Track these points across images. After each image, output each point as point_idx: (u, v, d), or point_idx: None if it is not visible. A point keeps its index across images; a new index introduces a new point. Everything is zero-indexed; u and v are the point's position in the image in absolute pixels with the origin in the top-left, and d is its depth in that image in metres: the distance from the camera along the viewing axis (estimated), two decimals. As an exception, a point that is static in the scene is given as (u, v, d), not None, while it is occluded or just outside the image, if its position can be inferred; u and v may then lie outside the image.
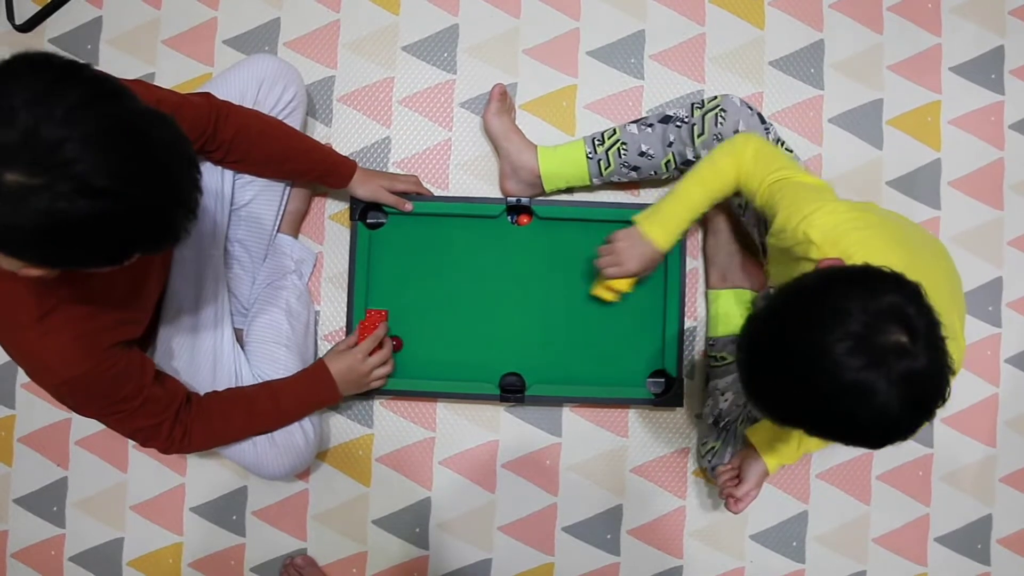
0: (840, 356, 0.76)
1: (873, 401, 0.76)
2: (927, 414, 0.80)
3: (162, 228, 0.76)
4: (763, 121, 1.27)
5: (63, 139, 0.65)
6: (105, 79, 0.71)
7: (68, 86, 0.67)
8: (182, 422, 1.13)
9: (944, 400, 0.80)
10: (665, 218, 1.21)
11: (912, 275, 0.83)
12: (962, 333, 1.07)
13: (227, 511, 1.44)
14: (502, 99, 1.40)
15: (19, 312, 0.89)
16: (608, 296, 1.31)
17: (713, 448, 1.33)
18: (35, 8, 1.48)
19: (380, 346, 1.29)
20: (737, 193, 1.18)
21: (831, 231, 0.95)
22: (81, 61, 0.70)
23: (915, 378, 0.77)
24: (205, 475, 1.44)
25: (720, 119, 1.25)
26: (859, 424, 0.80)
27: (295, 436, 1.27)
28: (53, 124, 0.65)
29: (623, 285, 1.28)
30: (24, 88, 0.65)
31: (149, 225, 0.75)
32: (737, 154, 1.14)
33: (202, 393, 1.21)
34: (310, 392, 1.25)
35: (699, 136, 1.27)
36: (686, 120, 1.29)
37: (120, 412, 1.05)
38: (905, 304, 0.78)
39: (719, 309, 1.38)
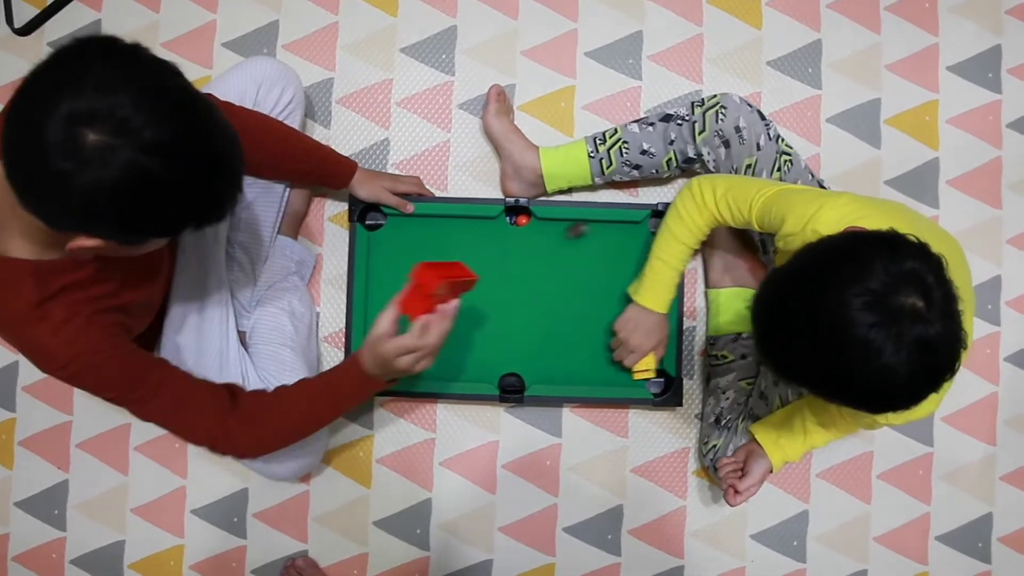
0: (855, 311, 0.77)
1: (879, 360, 0.77)
2: (933, 382, 0.81)
3: (214, 201, 0.81)
4: (763, 118, 1.27)
5: (136, 106, 0.71)
6: (168, 62, 0.78)
7: (140, 63, 0.75)
8: (223, 414, 1.05)
9: (952, 373, 0.81)
10: (655, 285, 1.26)
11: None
12: (970, 329, 1.07)
13: (228, 513, 1.44)
14: (500, 100, 1.41)
15: (17, 299, 0.89)
16: (646, 376, 1.35)
17: (715, 446, 1.33)
18: (34, 11, 1.48)
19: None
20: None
21: (841, 222, 0.96)
22: (143, 46, 0.77)
23: (927, 344, 0.77)
24: (206, 477, 1.45)
25: (720, 116, 1.26)
26: (863, 382, 0.80)
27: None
28: (130, 94, 0.72)
29: (650, 363, 1.33)
30: (104, 65, 0.72)
31: (204, 196, 0.79)
32: (704, 200, 1.16)
33: None
34: (351, 395, 1.12)
35: (700, 133, 1.27)
36: (687, 118, 1.29)
37: (139, 399, 1.00)
38: (926, 272, 0.79)
39: (719, 308, 1.38)
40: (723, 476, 1.21)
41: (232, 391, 1.09)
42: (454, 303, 1.05)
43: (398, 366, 1.04)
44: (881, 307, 0.77)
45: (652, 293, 1.26)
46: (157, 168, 0.73)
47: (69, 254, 0.83)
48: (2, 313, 0.91)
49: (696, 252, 1.27)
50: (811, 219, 0.98)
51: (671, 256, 1.23)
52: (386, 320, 1.03)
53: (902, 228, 0.96)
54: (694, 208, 1.18)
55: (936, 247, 0.84)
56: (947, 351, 0.80)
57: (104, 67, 0.72)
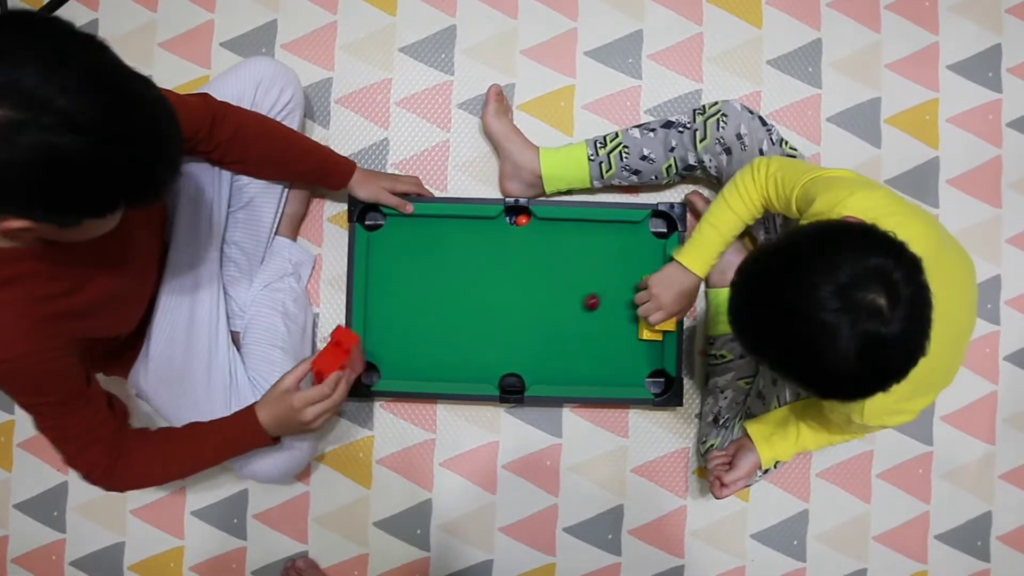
0: (822, 295, 0.80)
1: (830, 344, 0.79)
2: (878, 380, 0.83)
3: (147, 177, 0.78)
4: (764, 123, 1.27)
5: (46, 81, 0.69)
6: (90, 35, 0.75)
7: (52, 36, 0.71)
8: (113, 450, 1.05)
9: (901, 376, 0.82)
10: (701, 247, 1.23)
11: (936, 266, 0.84)
12: (963, 349, 1.08)
13: (228, 514, 1.44)
14: (499, 99, 1.40)
15: None
16: (655, 337, 1.35)
17: (712, 445, 1.33)
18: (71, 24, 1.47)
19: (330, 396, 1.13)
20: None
21: (867, 212, 0.96)
22: (64, 19, 0.74)
23: (877, 340, 0.79)
24: (206, 478, 1.44)
25: (722, 124, 1.25)
26: (813, 362, 0.82)
27: (291, 440, 1.26)
28: (38, 69, 0.69)
29: (668, 326, 1.31)
30: (9, 39, 0.70)
31: (134, 171, 0.76)
32: (758, 177, 1.15)
33: (195, 393, 1.20)
34: (236, 440, 1.14)
35: (701, 141, 1.27)
36: (688, 125, 1.29)
37: (49, 415, 0.99)
38: (893, 269, 0.80)
39: (718, 308, 1.38)
40: (711, 468, 1.21)
41: (122, 425, 1.09)
42: (358, 367, 1.21)
43: (303, 418, 1.10)
44: (845, 297, 0.79)
45: (696, 255, 1.23)
46: (71, 146, 0.70)
47: (15, 240, 0.81)
48: None
49: (745, 230, 1.24)
50: (840, 203, 0.98)
51: (721, 222, 1.20)
52: (292, 377, 1.10)
53: (928, 228, 0.97)
54: (751, 181, 1.16)
55: (946, 263, 0.84)
56: (898, 353, 0.81)
57: (11, 39, 0.70)
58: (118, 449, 1.07)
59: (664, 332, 1.34)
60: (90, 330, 0.99)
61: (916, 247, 0.84)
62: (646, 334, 1.35)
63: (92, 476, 1.07)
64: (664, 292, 1.26)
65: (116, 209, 0.80)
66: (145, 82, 0.78)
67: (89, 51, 0.73)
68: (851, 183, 1.04)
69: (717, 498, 1.20)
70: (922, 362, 0.84)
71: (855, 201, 0.97)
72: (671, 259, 1.26)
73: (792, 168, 1.13)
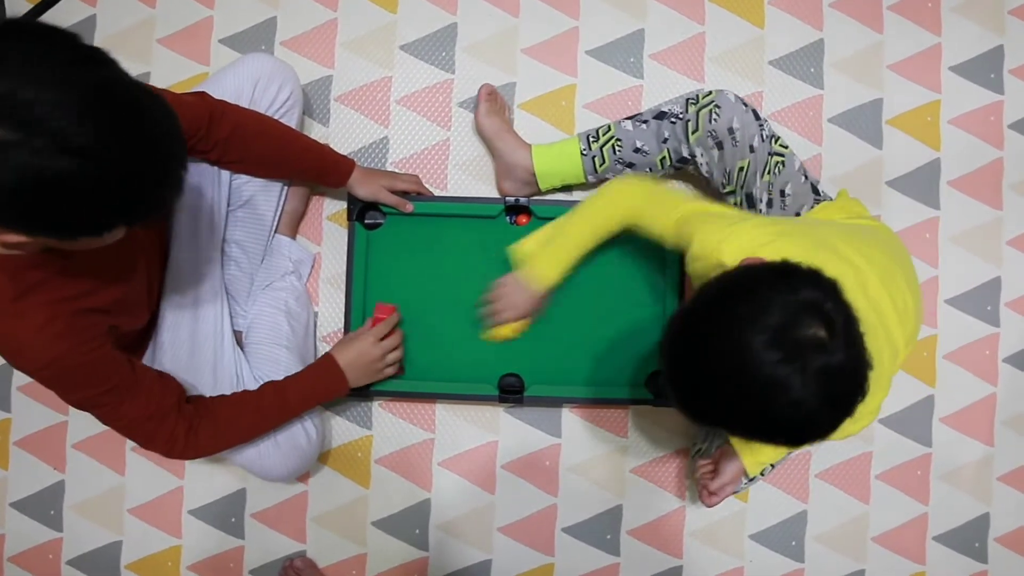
0: (758, 350, 0.76)
1: (788, 395, 0.77)
2: (844, 410, 0.81)
3: (144, 199, 0.76)
4: (757, 117, 1.25)
5: (39, 99, 0.66)
6: (91, 48, 0.72)
7: (51, 49, 0.68)
8: (185, 419, 1.09)
9: (862, 396, 0.80)
10: (551, 257, 1.24)
11: (836, 270, 0.83)
12: (917, 327, 1.08)
13: (226, 513, 1.44)
14: (491, 99, 1.39)
15: None
16: (503, 337, 1.35)
17: (700, 449, 1.34)
18: (27, 7, 1.46)
19: (390, 334, 1.28)
20: (744, 185, 1.19)
21: (742, 252, 0.94)
22: (69, 30, 0.71)
23: (831, 372, 0.77)
24: (204, 478, 1.44)
25: (714, 116, 1.23)
26: (775, 419, 0.80)
27: (298, 437, 1.26)
28: (32, 85, 0.66)
29: (508, 331, 1.33)
30: (5, 51, 0.67)
31: (130, 194, 0.74)
32: (624, 196, 1.16)
33: (202, 394, 1.20)
34: (317, 385, 1.22)
35: (693, 133, 1.25)
36: (680, 116, 1.27)
37: (109, 404, 1.02)
38: (823, 299, 0.79)
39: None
40: (697, 478, 1.21)
41: (195, 396, 1.13)
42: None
43: (375, 352, 1.24)
44: (783, 342, 0.76)
45: (545, 266, 1.24)
46: (63, 169, 0.67)
47: (16, 250, 0.81)
48: None
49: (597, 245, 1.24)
50: (715, 249, 0.97)
51: (577, 236, 1.20)
52: (356, 331, 1.26)
53: (814, 248, 0.96)
54: (618, 199, 1.17)
55: (858, 252, 0.82)
56: (852, 376, 0.80)
57: (9, 51, 0.67)
58: (196, 416, 1.10)
59: (507, 337, 1.35)
60: (105, 322, 1.00)
61: (807, 262, 0.84)
62: (493, 333, 1.35)
63: (175, 451, 1.10)
64: (512, 295, 1.29)
65: (113, 228, 0.78)
66: (151, 97, 0.75)
67: (92, 68, 0.71)
68: (721, 224, 1.02)
69: (708, 506, 1.20)
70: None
71: (728, 243, 0.96)
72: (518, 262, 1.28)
73: (662, 195, 1.14)
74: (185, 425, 1.10)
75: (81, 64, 0.70)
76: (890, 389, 1.07)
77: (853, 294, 0.83)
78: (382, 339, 1.26)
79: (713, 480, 1.19)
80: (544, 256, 1.25)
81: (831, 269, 0.83)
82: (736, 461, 1.18)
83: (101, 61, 0.72)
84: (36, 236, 0.77)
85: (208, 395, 1.19)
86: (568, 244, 1.22)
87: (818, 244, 0.99)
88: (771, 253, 0.90)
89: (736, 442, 1.18)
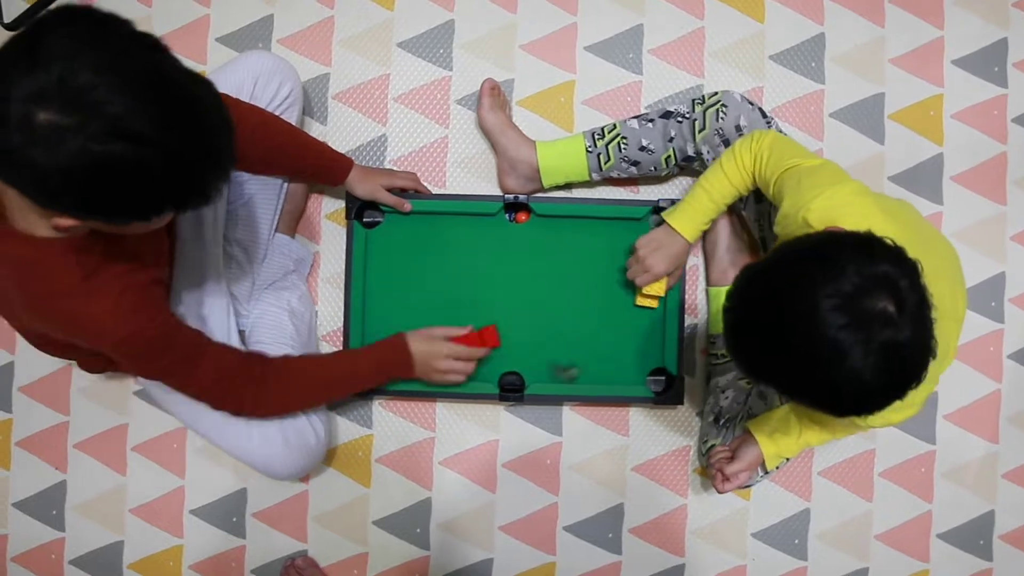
0: (825, 312, 0.77)
1: (845, 363, 0.77)
2: (899, 389, 0.81)
3: (195, 185, 0.77)
4: (764, 115, 1.26)
5: (96, 83, 0.66)
6: (146, 34, 0.72)
7: (107, 35, 0.69)
8: (253, 381, 1.12)
9: (919, 381, 0.81)
10: (692, 210, 1.21)
11: (918, 255, 0.83)
12: (955, 343, 1.08)
13: (227, 513, 1.44)
14: (493, 94, 1.39)
15: (61, 278, 0.88)
16: (649, 303, 1.34)
17: (713, 445, 1.32)
18: (24, 6, 1.46)
19: (470, 357, 1.28)
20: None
21: (826, 213, 0.96)
22: (123, 17, 0.72)
23: (894, 349, 0.77)
24: (205, 477, 1.44)
25: (721, 114, 1.24)
26: (828, 384, 0.80)
27: (307, 436, 1.26)
28: (88, 69, 0.66)
29: (658, 289, 1.29)
30: (64, 36, 0.67)
31: (183, 179, 0.75)
32: (755, 148, 1.14)
33: None
34: (387, 360, 1.24)
35: (700, 132, 1.26)
36: (687, 116, 1.28)
37: (182, 371, 1.05)
38: (899, 276, 0.79)
39: (720, 306, 1.36)
40: (713, 462, 1.20)
41: (259, 355, 1.15)
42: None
43: (440, 365, 1.24)
44: (852, 310, 0.77)
45: (686, 218, 1.22)
46: (117, 154, 0.68)
47: (67, 233, 0.81)
48: (48, 290, 0.89)
49: (738, 199, 1.22)
50: (803, 207, 0.98)
51: (714, 188, 1.19)
52: (443, 330, 1.26)
53: (899, 229, 0.94)
54: (746, 151, 1.15)
55: (931, 255, 0.83)
56: (915, 358, 0.80)
57: (65, 36, 0.67)
58: (260, 379, 1.13)
59: (658, 298, 1.33)
60: (161, 294, 1.03)
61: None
62: (639, 299, 1.34)
63: (244, 411, 1.14)
64: (651, 255, 1.25)
65: (163, 213, 0.79)
66: (206, 87, 0.76)
67: (149, 54, 0.71)
68: (821, 181, 1.02)
69: (719, 492, 1.19)
70: None
71: (816, 203, 0.97)
72: (661, 221, 1.26)
73: (781, 148, 1.12)
74: (254, 388, 1.12)
75: (137, 50, 0.70)
76: (936, 387, 1.07)
77: (932, 281, 0.82)
78: (459, 355, 1.26)
79: (730, 464, 1.17)
80: (684, 209, 1.23)
81: (912, 252, 0.83)
82: (754, 450, 1.17)
83: (156, 47, 0.72)
84: (89, 220, 0.77)
85: None
86: (707, 198, 1.19)
87: (899, 224, 0.98)
88: (852, 223, 0.90)
89: (758, 432, 1.18)
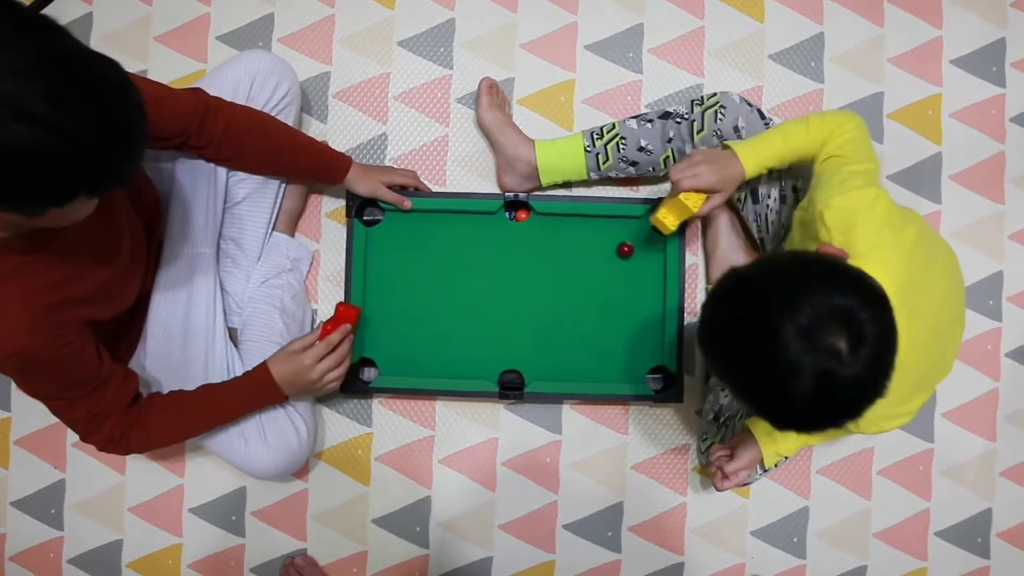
0: (779, 332, 0.80)
1: (786, 384, 0.80)
2: (830, 420, 0.84)
3: (103, 165, 0.74)
4: (763, 117, 1.26)
5: None
6: (37, 14, 0.70)
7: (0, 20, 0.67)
8: (126, 422, 1.10)
9: (853, 418, 0.83)
10: (762, 146, 1.17)
11: (906, 293, 0.85)
12: (956, 342, 1.11)
13: (226, 512, 1.44)
14: (491, 92, 1.39)
15: None
16: (669, 221, 1.21)
17: (713, 443, 1.33)
18: (23, 4, 1.45)
19: (335, 349, 1.21)
20: (749, 181, 1.19)
21: (843, 218, 0.97)
22: (15, 1, 0.70)
23: (833, 383, 0.79)
24: (204, 476, 1.44)
25: (720, 115, 1.24)
26: (767, 398, 0.84)
27: (288, 436, 1.26)
28: None
29: (694, 201, 1.17)
30: None
31: (87, 159, 0.72)
32: (841, 123, 1.14)
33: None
34: (250, 397, 1.21)
35: (698, 133, 1.26)
36: (686, 116, 1.28)
37: (65, 399, 1.02)
38: (859, 309, 0.80)
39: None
40: (713, 460, 1.21)
41: (134, 398, 1.13)
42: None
43: (312, 375, 1.18)
44: (806, 337, 0.79)
45: (753, 152, 1.17)
46: (18, 137, 0.66)
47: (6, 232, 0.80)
48: None
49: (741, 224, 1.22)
50: (825, 201, 1.00)
51: (790, 137, 1.16)
52: (300, 342, 1.19)
53: (904, 258, 0.97)
54: (834, 123, 1.14)
55: (925, 261, 0.84)
56: (853, 395, 0.82)
57: None
58: (132, 420, 1.11)
59: (679, 220, 1.22)
60: (82, 313, 0.98)
61: (884, 271, 0.87)
62: (660, 213, 1.21)
63: (108, 448, 1.12)
64: (709, 163, 1.16)
65: (76, 198, 0.76)
66: (110, 65, 0.73)
67: (41, 34, 0.69)
68: (855, 184, 1.03)
69: (719, 490, 1.19)
70: (916, 363, 0.84)
71: (838, 201, 0.99)
72: (725, 146, 1.20)
73: (857, 144, 1.12)
74: (121, 430, 1.10)
75: (28, 30, 0.68)
76: (932, 395, 1.09)
77: (926, 302, 0.83)
78: (328, 353, 1.19)
79: (729, 463, 1.18)
80: (755, 143, 1.18)
81: (920, 276, 0.85)
82: (753, 448, 1.18)
83: (49, 28, 0.70)
84: (2, 212, 0.75)
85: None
86: (782, 141, 1.17)
87: (908, 262, 0.99)
88: (863, 240, 0.93)
89: (757, 430, 1.19)
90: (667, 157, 1.31)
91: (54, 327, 0.92)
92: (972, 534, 1.44)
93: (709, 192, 1.17)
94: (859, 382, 0.80)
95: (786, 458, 1.26)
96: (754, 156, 1.17)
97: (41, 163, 0.69)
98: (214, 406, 1.19)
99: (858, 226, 0.97)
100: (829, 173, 1.07)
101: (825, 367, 0.78)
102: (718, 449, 1.21)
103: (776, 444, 1.18)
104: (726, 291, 0.89)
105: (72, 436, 1.44)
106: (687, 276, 1.40)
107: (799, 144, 1.16)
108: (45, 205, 0.75)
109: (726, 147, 1.19)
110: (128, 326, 1.22)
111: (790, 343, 0.79)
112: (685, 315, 1.39)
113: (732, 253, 1.37)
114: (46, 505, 1.45)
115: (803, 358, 0.78)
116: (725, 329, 0.87)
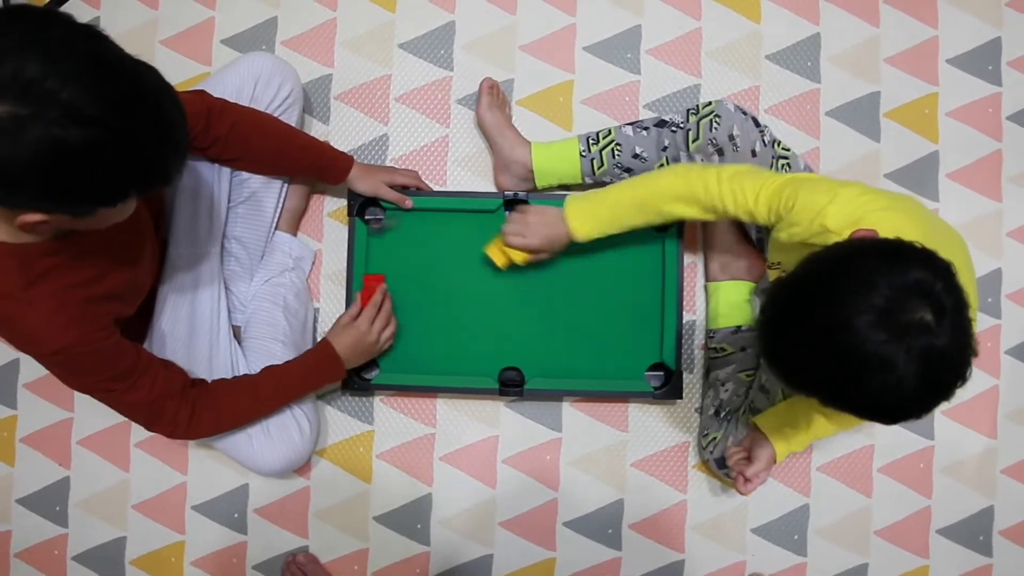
0: (862, 329, 0.77)
1: (890, 375, 0.77)
2: (944, 393, 0.81)
3: (152, 164, 0.79)
4: (757, 125, 1.26)
5: (46, 73, 0.69)
6: (85, 24, 0.75)
7: (50, 27, 0.71)
8: (188, 403, 1.13)
9: (964, 381, 0.81)
10: (598, 214, 1.19)
11: (947, 252, 0.82)
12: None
13: (229, 509, 1.45)
14: (492, 93, 1.40)
15: (3, 281, 0.89)
16: (499, 260, 1.30)
17: (715, 439, 1.33)
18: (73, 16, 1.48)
19: (380, 309, 1.29)
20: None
21: (848, 216, 0.94)
22: (63, 12, 0.74)
23: (935, 356, 0.77)
24: (206, 473, 1.45)
25: (715, 124, 1.25)
26: (875, 397, 0.80)
27: (290, 430, 1.28)
28: (38, 62, 0.68)
29: (517, 256, 1.28)
30: (10, 33, 0.70)
31: (139, 159, 0.76)
32: (703, 183, 1.10)
33: None
34: (315, 373, 1.25)
35: (694, 141, 1.27)
36: (681, 125, 1.29)
37: (115, 389, 1.05)
38: (933, 281, 0.78)
39: (718, 301, 1.38)
40: (732, 464, 1.20)
41: (188, 380, 1.15)
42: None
43: (371, 337, 1.27)
44: (888, 323, 0.76)
45: (588, 220, 1.19)
46: (77, 139, 0.70)
47: (33, 233, 0.83)
48: None
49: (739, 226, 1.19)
50: (820, 212, 0.96)
51: (628, 198, 1.16)
52: (348, 315, 1.27)
53: (914, 224, 0.95)
54: (699, 181, 1.11)
55: (943, 247, 0.83)
56: (956, 361, 0.79)
57: (12, 33, 0.69)
58: (196, 402, 1.14)
59: (508, 262, 1.29)
60: (122, 310, 1.04)
61: (909, 237, 0.83)
62: (492, 250, 1.30)
63: (176, 433, 1.15)
64: (538, 224, 1.24)
65: (128, 197, 0.81)
66: (149, 70, 0.78)
67: (91, 42, 0.74)
68: (825, 186, 1.00)
69: (743, 494, 1.19)
70: None
71: (833, 207, 0.95)
72: (563, 207, 1.22)
73: (748, 173, 1.10)
74: (188, 410, 1.13)
75: (80, 39, 0.73)
76: None
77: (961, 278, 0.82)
78: (376, 314, 1.28)
79: (749, 467, 1.17)
80: (585, 205, 1.20)
81: (944, 252, 0.82)
82: (768, 448, 1.18)
83: (96, 35, 0.75)
84: (55, 212, 0.79)
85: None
86: (611, 203, 1.17)
87: (920, 222, 0.98)
88: (876, 221, 0.89)
89: (768, 429, 1.19)
90: (662, 164, 1.32)
91: (93, 320, 0.97)
92: (974, 532, 1.43)
93: (535, 252, 1.26)
94: (956, 346, 0.78)
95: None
96: (590, 223, 1.20)
97: (98, 163, 0.73)
98: (281, 386, 1.23)
99: (867, 214, 0.94)
100: (793, 191, 1.02)
101: (923, 344, 0.76)
102: (736, 453, 1.21)
103: (788, 442, 1.18)
104: (784, 305, 0.85)
105: (77, 434, 1.46)
106: (686, 273, 1.41)
107: (636, 198, 1.16)
108: (98, 205, 0.79)
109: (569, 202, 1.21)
110: (135, 324, 1.24)
111: (874, 334, 0.76)
112: (684, 312, 1.40)
113: (731, 250, 1.38)
114: (51, 502, 1.46)
115: (895, 345, 0.76)
116: (800, 346, 0.82)
